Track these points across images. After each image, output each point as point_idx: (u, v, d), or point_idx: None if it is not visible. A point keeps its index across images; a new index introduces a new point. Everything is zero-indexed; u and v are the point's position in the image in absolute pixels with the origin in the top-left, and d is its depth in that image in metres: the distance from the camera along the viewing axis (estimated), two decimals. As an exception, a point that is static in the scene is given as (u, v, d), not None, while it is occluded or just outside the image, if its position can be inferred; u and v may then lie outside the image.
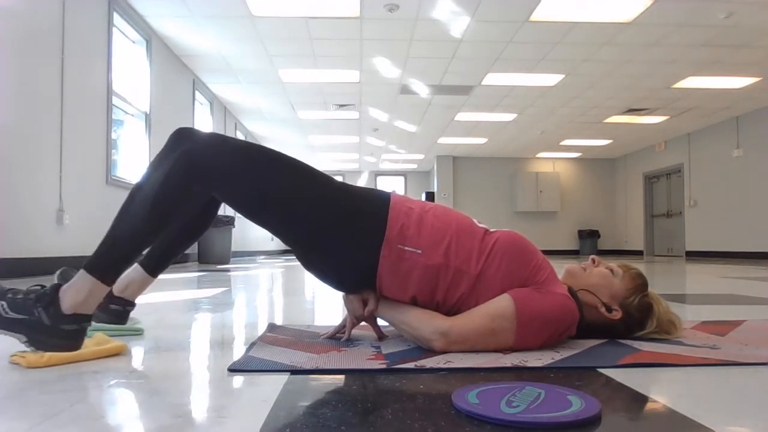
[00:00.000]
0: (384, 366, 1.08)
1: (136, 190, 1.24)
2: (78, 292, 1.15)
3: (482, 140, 11.53)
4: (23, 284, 1.26)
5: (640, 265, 6.34)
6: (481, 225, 1.34)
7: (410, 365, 1.09)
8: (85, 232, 4.52)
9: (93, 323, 1.42)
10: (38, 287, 1.17)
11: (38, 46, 3.89)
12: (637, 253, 12.62)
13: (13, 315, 1.12)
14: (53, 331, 1.12)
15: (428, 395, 0.90)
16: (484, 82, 7.46)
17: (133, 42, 5.63)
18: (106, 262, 1.19)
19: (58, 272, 1.35)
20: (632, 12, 5.23)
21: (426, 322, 1.21)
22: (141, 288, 1.46)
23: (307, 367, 1.07)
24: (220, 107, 8.50)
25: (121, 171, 5.42)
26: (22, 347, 1.14)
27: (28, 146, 3.78)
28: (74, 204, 4.32)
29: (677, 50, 6.22)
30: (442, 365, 1.09)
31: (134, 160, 5.70)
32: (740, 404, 0.87)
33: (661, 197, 12.12)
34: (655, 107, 8.76)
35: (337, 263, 1.28)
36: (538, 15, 5.30)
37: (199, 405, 0.86)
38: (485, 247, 1.27)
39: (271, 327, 1.59)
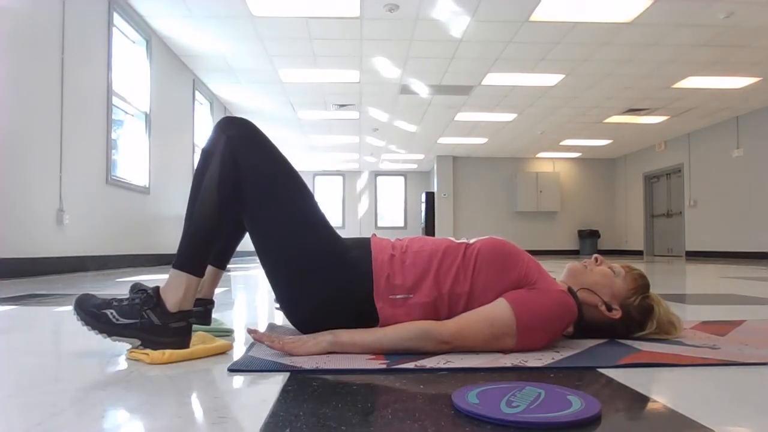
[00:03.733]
0: (384, 366, 1.08)
1: (197, 184, 1.27)
2: (176, 290, 1.20)
3: (482, 140, 11.53)
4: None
5: (640, 265, 6.34)
6: (460, 241, 1.34)
7: (410, 365, 1.09)
8: (85, 232, 4.52)
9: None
10: (141, 293, 1.21)
11: (38, 46, 3.89)
12: (637, 253, 12.62)
13: (123, 321, 1.17)
14: (164, 330, 1.17)
15: (428, 395, 0.90)
16: (484, 82, 7.46)
17: (133, 42, 5.63)
18: (192, 255, 1.24)
19: (130, 287, 1.37)
20: (632, 12, 5.23)
21: (427, 340, 1.19)
22: (214, 283, 1.50)
23: (307, 367, 1.07)
24: (220, 107, 8.50)
25: (121, 171, 5.42)
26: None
27: (28, 146, 3.78)
28: (74, 204, 4.32)
29: (677, 50, 6.22)
30: (442, 365, 1.09)
31: (134, 160, 5.70)
32: (740, 404, 0.87)
33: (661, 197, 12.12)
34: (655, 107, 8.76)
35: (334, 311, 1.27)
36: (538, 15, 5.30)
37: (199, 405, 0.86)
38: (468, 263, 1.27)
39: (271, 327, 1.59)
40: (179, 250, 1.24)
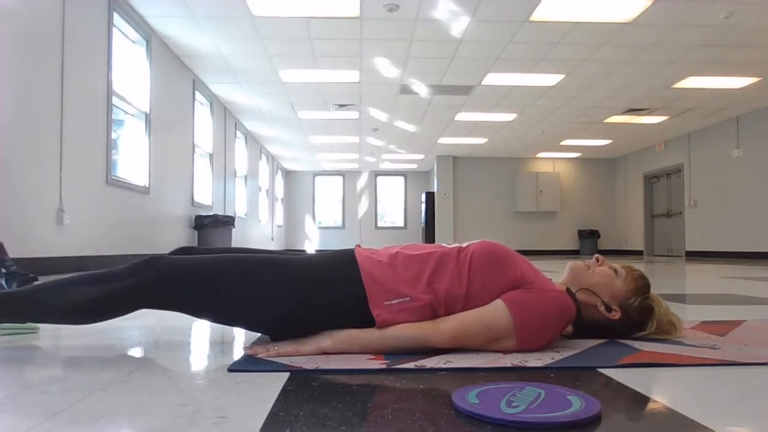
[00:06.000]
0: (384, 366, 1.08)
1: (86, 281, 1.23)
2: None
3: (482, 140, 11.53)
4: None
5: (640, 266, 6.34)
6: (452, 245, 1.34)
7: (410, 365, 1.09)
8: (85, 232, 4.52)
9: None
10: None
11: (38, 46, 3.89)
12: (637, 253, 12.61)
13: None
14: None
15: (428, 395, 0.90)
16: (484, 82, 7.46)
17: (133, 42, 5.63)
18: (6, 308, 1.24)
19: None
20: (632, 12, 5.23)
21: (424, 347, 1.20)
22: None
23: (307, 367, 1.07)
24: (220, 107, 8.50)
25: (121, 171, 5.42)
26: None
27: (28, 146, 3.78)
28: (74, 204, 4.32)
29: (677, 50, 6.22)
30: (442, 365, 1.09)
31: (134, 160, 5.70)
32: (740, 404, 0.87)
33: (661, 197, 12.12)
34: (655, 107, 8.76)
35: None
36: (538, 15, 5.30)
37: (199, 405, 0.86)
38: (463, 266, 1.27)
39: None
40: (10, 294, 1.25)
